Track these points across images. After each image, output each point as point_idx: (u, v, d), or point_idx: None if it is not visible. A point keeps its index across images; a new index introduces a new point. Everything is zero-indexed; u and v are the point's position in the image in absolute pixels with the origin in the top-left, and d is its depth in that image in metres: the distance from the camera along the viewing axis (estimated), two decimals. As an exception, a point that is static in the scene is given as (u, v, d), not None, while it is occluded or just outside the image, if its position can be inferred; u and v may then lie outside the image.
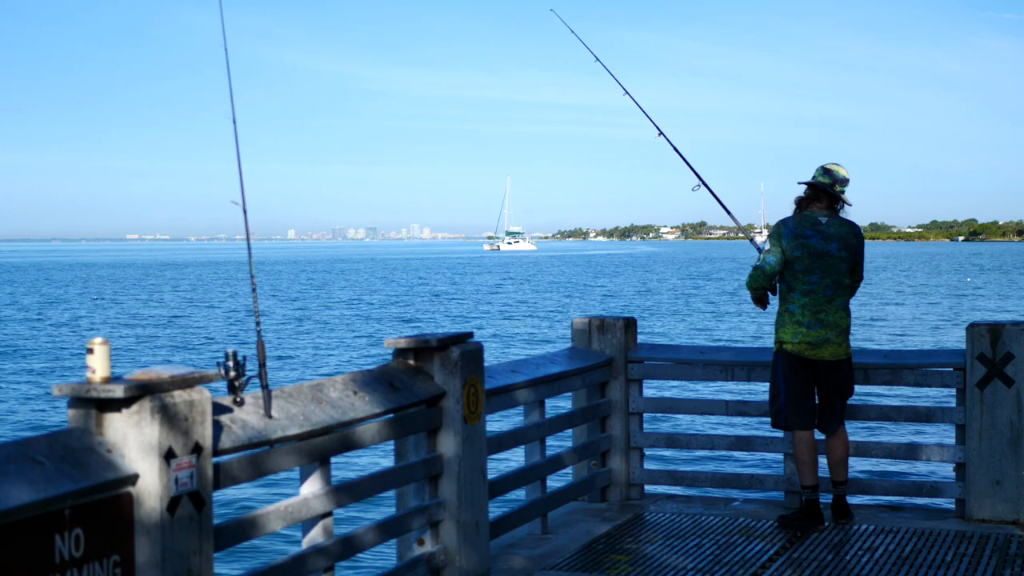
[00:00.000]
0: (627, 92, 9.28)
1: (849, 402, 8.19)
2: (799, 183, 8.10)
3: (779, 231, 7.96)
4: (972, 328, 8.00)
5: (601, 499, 8.64)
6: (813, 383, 7.97)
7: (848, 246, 7.96)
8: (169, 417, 4.09)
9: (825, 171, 7.98)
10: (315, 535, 5.26)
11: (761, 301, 8.19)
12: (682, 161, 9.08)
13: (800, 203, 8.07)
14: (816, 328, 7.86)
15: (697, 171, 8.99)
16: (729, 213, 9.04)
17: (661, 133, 9.09)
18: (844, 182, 7.98)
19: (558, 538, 7.60)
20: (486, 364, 6.63)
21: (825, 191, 7.97)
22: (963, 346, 8.07)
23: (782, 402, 8.00)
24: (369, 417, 5.60)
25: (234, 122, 5.11)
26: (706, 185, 8.97)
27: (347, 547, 5.39)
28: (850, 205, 8.06)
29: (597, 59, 9.43)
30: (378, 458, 16.15)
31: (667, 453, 16.13)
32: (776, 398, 8.05)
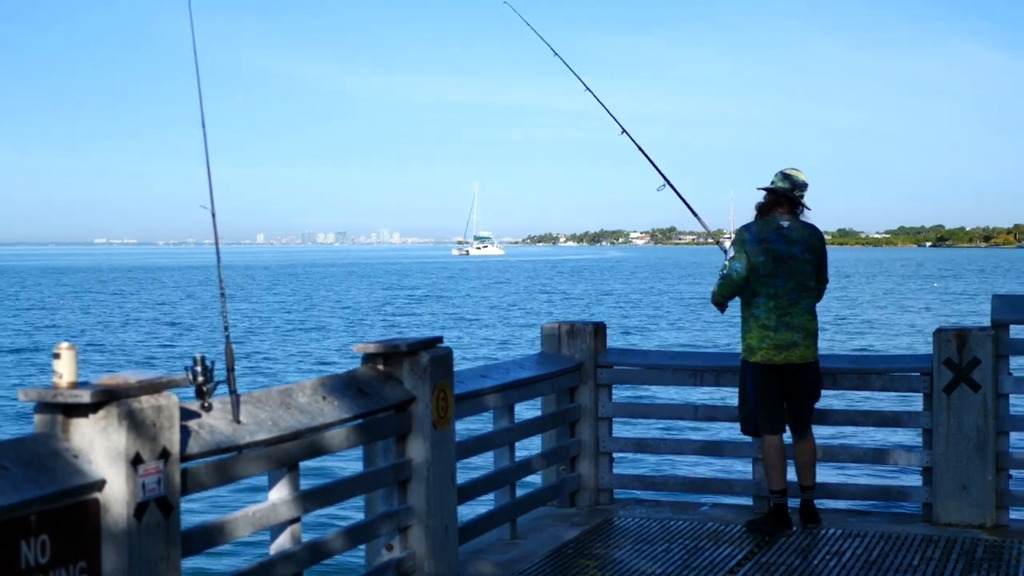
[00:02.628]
0: (588, 88, 9.31)
1: (817, 407, 8.22)
2: (759, 188, 8.15)
3: (742, 237, 7.99)
4: (939, 333, 8.05)
5: (570, 504, 8.65)
6: (781, 388, 8.00)
7: (811, 249, 8.01)
8: (136, 423, 4.07)
9: (785, 176, 8.04)
10: (283, 541, 5.24)
11: (721, 306, 8.24)
12: (649, 164, 9.10)
13: (761, 209, 8.12)
14: (783, 331, 7.89)
15: (662, 171, 9.01)
16: (694, 213, 9.07)
17: (624, 131, 9.11)
18: (803, 186, 8.05)
19: (527, 543, 7.60)
20: (456, 369, 6.63)
21: (786, 196, 8.02)
22: (930, 351, 8.11)
23: (751, 408, 8.03)
24: (338, 422, 5.59)
25: (203, 126, 5.10)
26: (670, 184, 8.99)
27: (315, 553, 5.38)
28: (809, 209, 8.13)
29: (555, 53, 9.43)
30: (347, 463, 16.11)
31: (636, 458, 16.18)
32: (745, 404, 8.08)
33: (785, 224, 7.99)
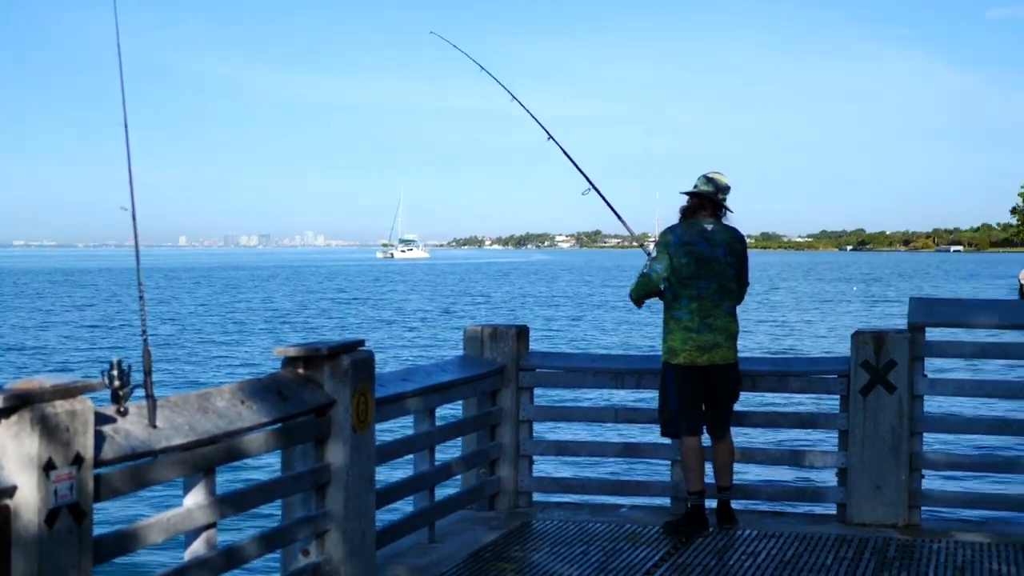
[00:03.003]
0: (515, 98, 9.34)
1: (736, 408, 8.31)
2: (681, 192, 8.22)
3: (666, 239, 8.07)
4: (856, 336, 8.17)
5: (489, 507, 8.66)
6: (703, 390, 8.08)
7: (734, 251, 8.11)
8: (49, 428, 4.03)
9: (708, 179, 8.12)
10: (197, 547, 5.20)
11: (638, 302, 8.31)
12: (574, 168, 9.15)
13: (685, 212, 8.19)
14: (706, 333, 7.98)
15: (587, 175, 9.06)
16: (619, 217, 9.13)
17: (550, 137, 9.16)
18: (726, 190, 8.15)
19: (445, 547, 7.60)
20: (377, 372, 6.62)
21: (709, 199, 8.11)
22: (848, 353, 8.23)
23: (673, 410, 8.09)
24: (257, 426, 5.56)
25: (125, 127, 5.04)
26: (595, 188, 9.04)
27: (230, 559, 5.34)
28: (732, 212, 8.22)
29: (483, 68, 9.47)
30: (265, 468, 16.01)
31: (556, 461, 16.23)
32: (666, 406, 8.14)
33: (709, 227, 8.08)
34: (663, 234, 8.17)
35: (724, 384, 8.11)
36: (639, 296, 8.21)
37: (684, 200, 8.23)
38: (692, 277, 7.99)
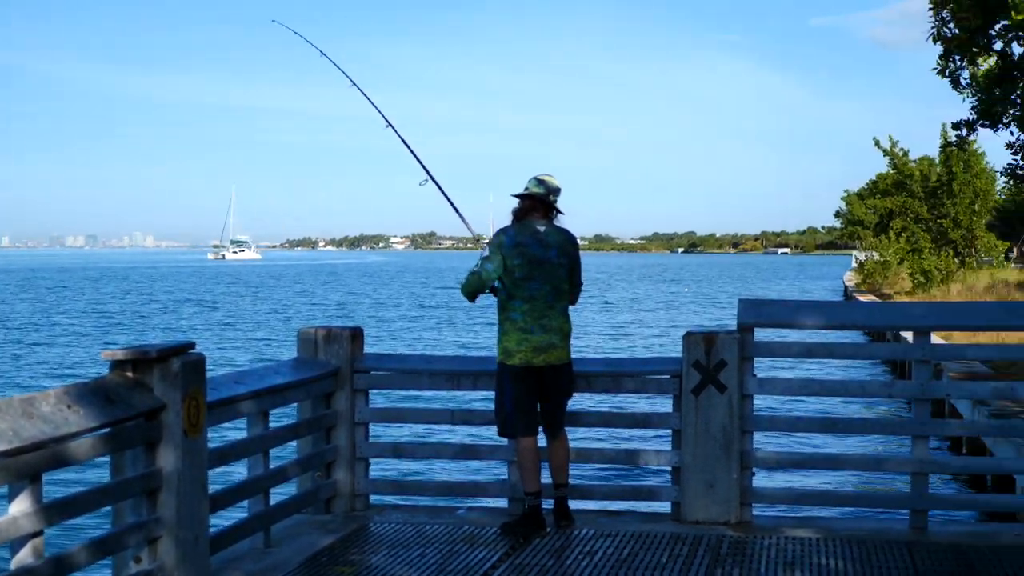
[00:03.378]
0: (354, 83, 9.34)
1: (572, 409, 8.37)
2: (513, 195, 8.27)
3: (499, 240, 8.10)
4: (688, 336, 8.30)
5: (326, 511, 8.58)
6: (539, 390, 8.13)
7: (566, 252, 8.18)
8: None
9: (540, 182, 8.19)
10: (24, 556, 5.03)
11: (470, 297, 8.35)
12: (413, 160, 9.16)
13: (517, 214, 8.24)
14: (539, 333, 8.04)
15: (425, 165, 9.07)
16: (457, 212, 9.17)
17: (389, 124, 9.18)
18: (557, 192, 8.23)
19: (281, 551, 7.51)
20: (209, 375, 6.49)
21: (541, 200, 8.17)
22: (680, 354, 8.35)
23: (508, 410, 8.12)
24: (84, 431, 5.40)
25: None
26: (433, 178, 9.08)
27: (59, 567, 5.17)
28: (563, 213, 8.31)
29: (323, 54, 9.43)
30: (95, 474, 15.62)
31: (394, 463, 16.16)
32: (502, 407, 8.17)
33: (541, 228, 8.13)
34: (496, 235, 8.21)
35: (560, 384, 8.17)
36: (469, 293, 8.26)
37: (516, 202, 8.27)
38: (525, 278, 8.04)
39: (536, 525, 8.06)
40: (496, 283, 8.15)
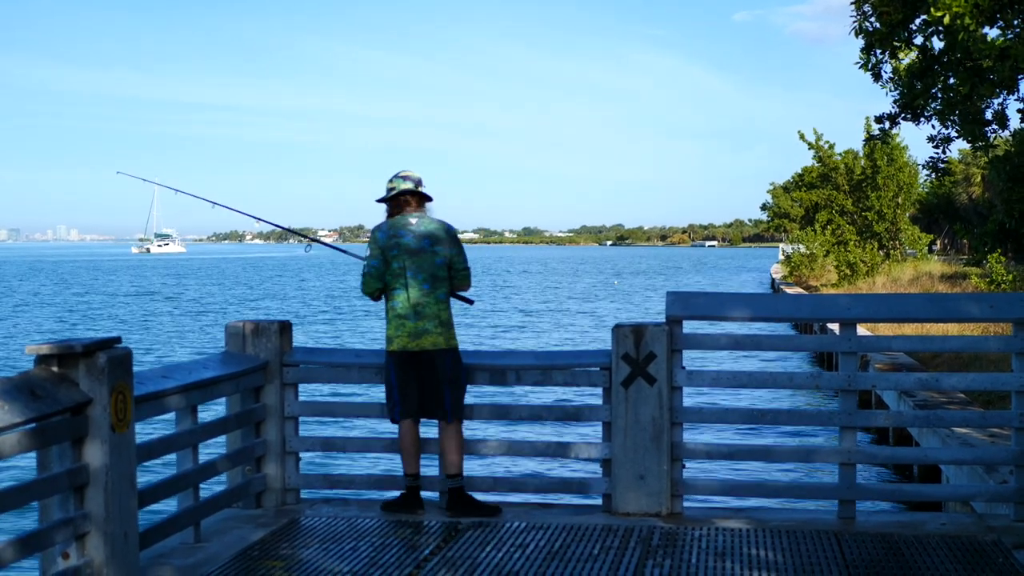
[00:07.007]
0: (215, 203, 10.22)
1: (501, 402, 8.41)
2: (378, 201, 8.58)
3: (375, 236, 8.49)
4: (617, 329, 8.33)
5: (256, 505, 8.53)
6: (418, 375, 8.38)
7: (439, 241, 8.44)
8: None
9: (404, 178, 8.54)
10: (-52, 554, 4.96)
11: (373, 296, 8.54)
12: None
13: (391, 211, 8.54)
14: (414, 320, 8.32)
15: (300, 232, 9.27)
16: (349, 253, 9.35)
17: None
18: (419, 182, 8.55)
19: (211, 546, 7.45)
20: (136, 370, 6.42)
21: (412, 193, 8.49)
22: (609, 347, 8.38)
23: (395, 397, 8.41)
24: (8, 427, 5.32)
25: None
26: (316, 240, 9.28)
27: (-16, 565, 5.11)
28: (431, 200, 8.61)
29: (178, 191, 10.33)
30: (20, 470, 15.43)
31: (324, 457, 16.11)
32: (390, 394, 8.44)
33: (413, 220, 8.45)
34: (372, 232, 8.55)
35: (436, 370, 8.36)
36: (369, 292, 8.52)
37: (387, 200, 8.57)
38: (401, 268, 8.35)
39: (413, 506, 8.42)
40: (385, 276, 8.41)
